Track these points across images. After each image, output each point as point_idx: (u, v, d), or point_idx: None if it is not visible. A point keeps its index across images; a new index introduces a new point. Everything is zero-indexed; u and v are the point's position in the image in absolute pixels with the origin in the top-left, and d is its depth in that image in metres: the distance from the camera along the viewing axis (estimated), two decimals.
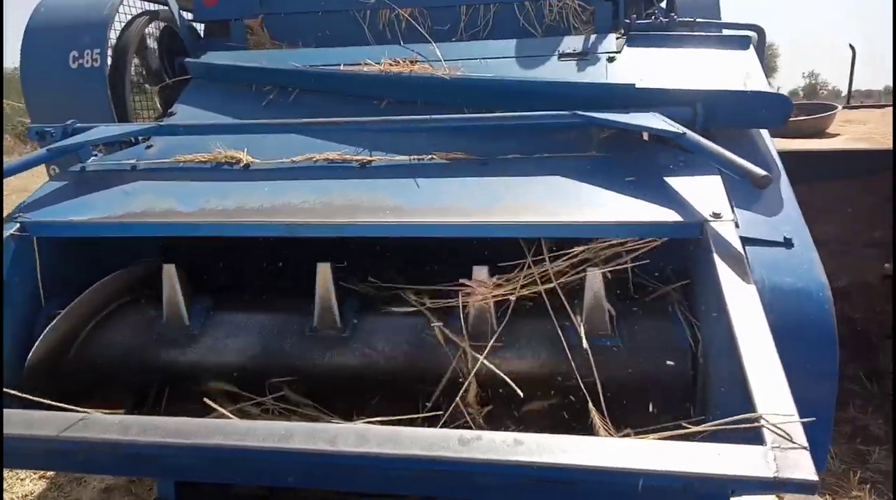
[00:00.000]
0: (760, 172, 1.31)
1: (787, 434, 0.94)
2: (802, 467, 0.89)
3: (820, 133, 4.11)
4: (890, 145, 3.41)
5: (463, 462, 0.96)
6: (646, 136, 1.69)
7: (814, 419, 0.96)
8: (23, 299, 1.66)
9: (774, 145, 1.71)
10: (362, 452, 0.98)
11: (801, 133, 4.22)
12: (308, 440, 1.00)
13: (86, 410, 1.16)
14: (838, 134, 4.08)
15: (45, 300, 1.70)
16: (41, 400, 1.34)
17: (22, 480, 2.85)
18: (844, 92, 5.87)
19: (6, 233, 1.63)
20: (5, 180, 1.82)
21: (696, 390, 1.34)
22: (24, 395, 1.42)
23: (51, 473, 2.88)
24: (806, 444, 0.93)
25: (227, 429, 1.04)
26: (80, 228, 1.65)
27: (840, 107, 4.55)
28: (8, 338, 1.61)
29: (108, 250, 1.82)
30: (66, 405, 1.26)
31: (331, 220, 1.52)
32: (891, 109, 4.74)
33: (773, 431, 0.95)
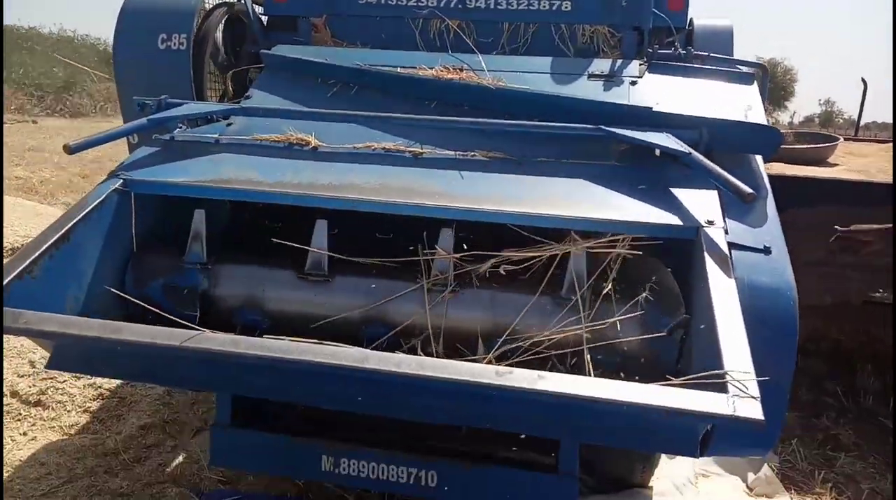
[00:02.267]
0: (747, 189, 1.62)
1: (745, 386, 1.25)
2: (752, 410, 1.20)
3: (821, 162, 4.39)
4: (883, 179, 3.69)
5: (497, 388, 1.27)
6: (657, 152, 1.99)
7: (767, 378, 1.27)
8: (120, 245, 1.97)
9: (765, 169, 2.01)
10: (421, 374, 1.29)
11: (803, 160, 4.52)
12: (380, 362, 1.31)
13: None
14: (837, 164, 4.37)
15: (136, 247, 2.02)
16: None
17: (69, 412, 3.16)
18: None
19: (110, 188, 1.94)
20: (106, 146, 2.14)
21: (684, 355, 1.65)
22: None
23: (94, 407, 3.19)
24: (757, 395, 1.23)
25: (315, 350, 1.35)
26: (175, 189, 1.95)
27: (842, 139, 4.84)
28: (107, 275, 1.92)
29: (186, 211, 2.13)
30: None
31: (388, 199, 1.82)
32: (891, 145, 5.01)
33: (733, 384, 1.25)
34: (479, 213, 1.77)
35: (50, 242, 1.71)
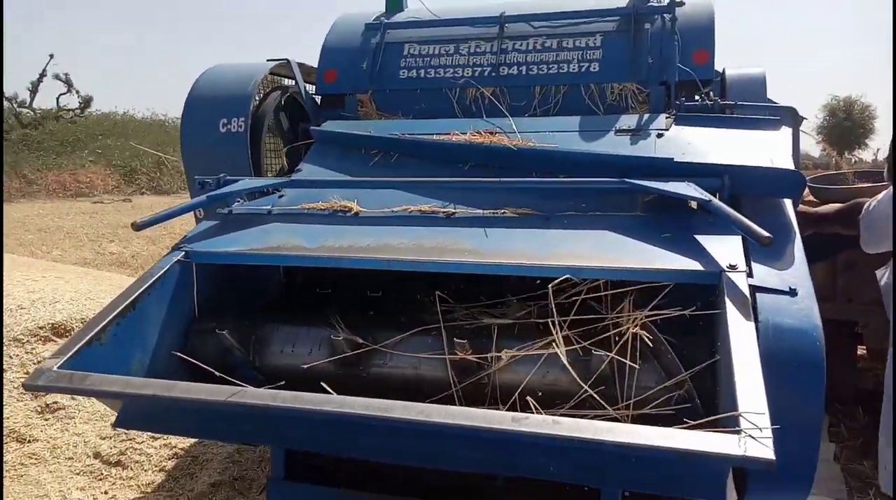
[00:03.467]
0: (764, 233, 1.65)
1: (757, 426, 1.26)
2: (763, 450, 1.21)
3: None
4: None
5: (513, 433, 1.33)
6: (693, 203, 2.03)
7: (778, 426, 1.27)
8: (183, 312, 2.15)
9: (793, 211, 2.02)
10: (448, 423, 1.36)
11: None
12: (405, 412, 1.39)
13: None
14: None
15: (198, 315, 2.20)
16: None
17: (145, 471, 3.35)
18: None
19: (173, 259, 2.14)
20: (170, 222, 2.36)
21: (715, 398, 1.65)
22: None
23: (169, 466, 3.38)
24: (770, 435, 1.24)
25: (347, 402, 1.45)
26: (230, 258, 2.13)
27: None
28: (170, 341, 2.10)
29: (245, 278, 2.32)
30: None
31: (421, 257, 1.94)
32: None
33: (746, 424, 1.27)
34: (504, 267, 1.86)
35: (117, 311, 1.90)
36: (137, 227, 2.16)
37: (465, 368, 1.89)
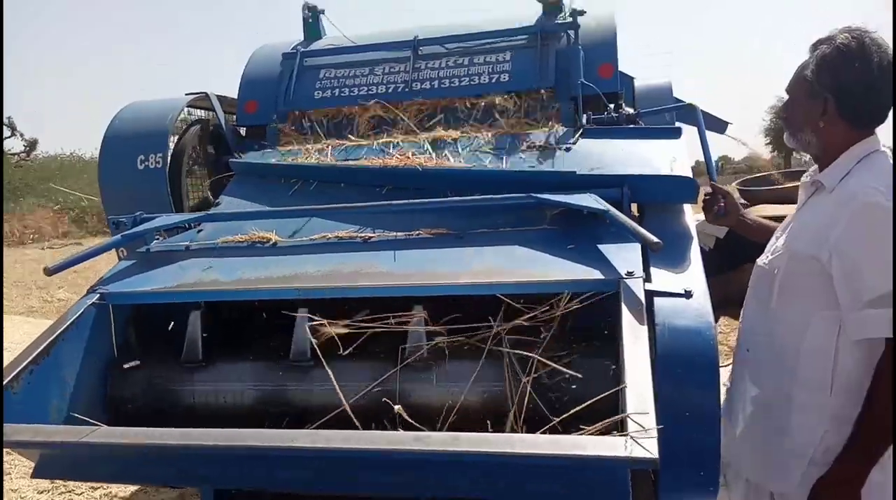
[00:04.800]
0: (655, 239, 1.73)
1: (643, 427, 1.32)
2: (648, 449, 1.27)
3: None
4: None
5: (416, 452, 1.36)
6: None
7: (662, 426, 1.33)
8: (101, 355, 2.13)
9: (693, 218, 2.12)
10: (350, 447, 1.38)
11: (788, 200, 4.55)
12: (312, 440, 1.41)
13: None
14: None
15: (117, 356, 2.17)
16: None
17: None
18: None
19: (88, 302, 2.12)
20: (92, 260, 2.34)
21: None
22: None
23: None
24: (654, 435, 1.30)
25: (272, 436, 1.46)
26: (145, 297, 2.12)
27: None
28: (89, 384, 2.07)
29: (165, 316, 2.30)
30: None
31: (334, 284, 1.96)
32: None
33: (633, 425, 1.33)
34: (416, 288, 1.90)
35: (30, 359, 1.87)
36: (49, 272, 2.14)
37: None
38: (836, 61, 1.75)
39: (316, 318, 1.94)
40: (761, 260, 1.99)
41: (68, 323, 2.01)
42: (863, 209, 1.68)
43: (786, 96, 1.94)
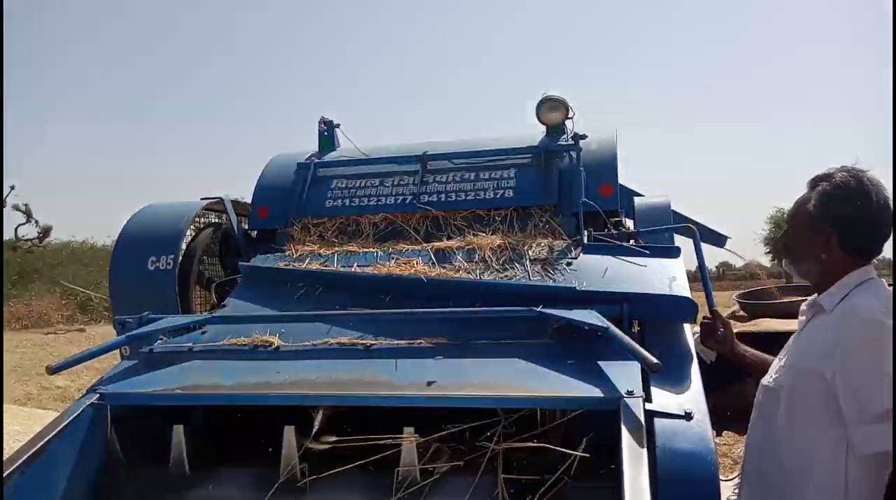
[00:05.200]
0: (653, 360, 1.74)
1: None
2: None
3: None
4: None
5: None
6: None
7: None
8: (97, 457, 2.10)
9: (692, 336, 2.14)
10: None
11: (786, 314, 4.61)
12: None
13: None
14: None
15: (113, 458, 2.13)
16: None
17: None
18: None
19: (87, 402, 2.11)
20: (95, 360, 2.35)
21: None
22: None
23: None
24: None
25: None
26: (143, 399, 2.12)
27: None
28: (81, 486, 2.03)
29: (163, 419, 2.28)
30: None
31: (334, 392, 1.96)
32: None
33: None
34: (413, 398, 1.90)
35: (23, 458, 1.85)
36: (52, 371, 2.15)
37: None
38: (839, 198, 1.84)
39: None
40: (766, 380, 1.99)
41: (66, 423, 2.00)
42: (863, 326, 1.73)
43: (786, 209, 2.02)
